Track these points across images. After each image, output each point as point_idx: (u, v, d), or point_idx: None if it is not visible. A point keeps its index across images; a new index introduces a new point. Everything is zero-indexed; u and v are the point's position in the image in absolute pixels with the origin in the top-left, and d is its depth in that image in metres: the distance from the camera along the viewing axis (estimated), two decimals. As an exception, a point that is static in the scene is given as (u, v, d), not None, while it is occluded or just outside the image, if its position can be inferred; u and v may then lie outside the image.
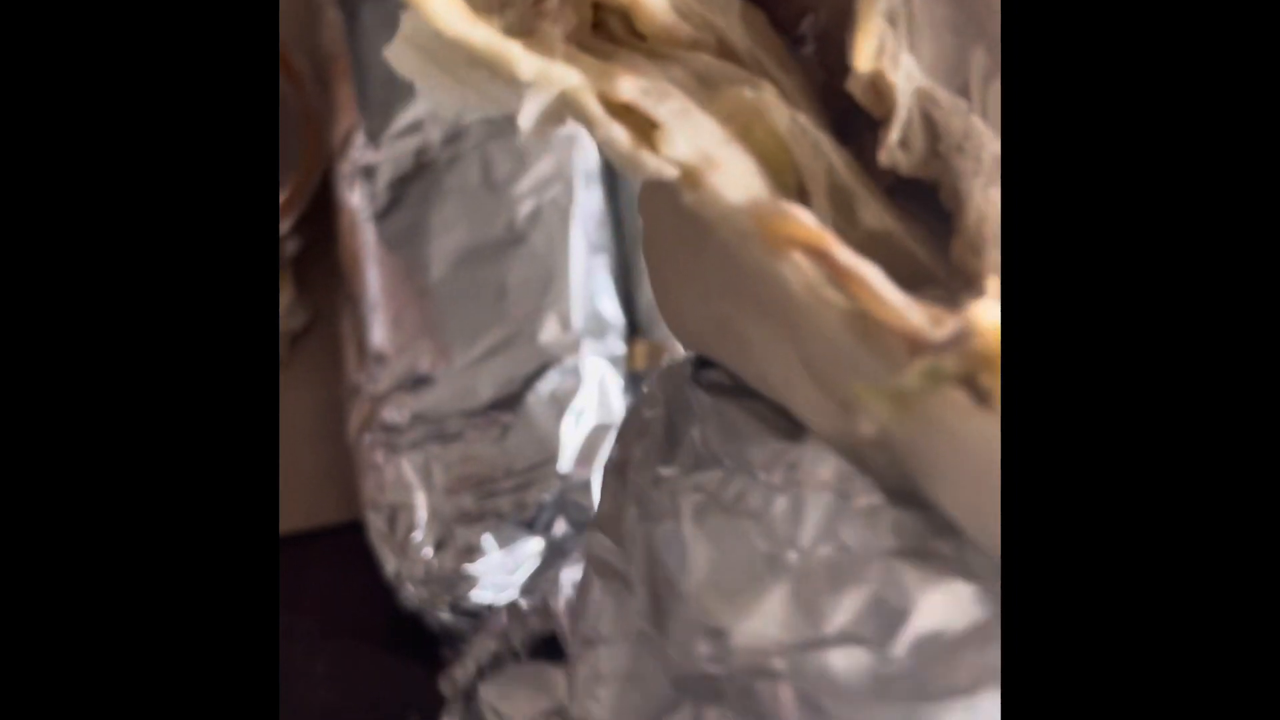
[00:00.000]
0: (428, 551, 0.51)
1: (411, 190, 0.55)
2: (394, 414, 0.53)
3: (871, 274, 0.29)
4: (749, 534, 0.32)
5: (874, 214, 0.32)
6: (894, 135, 0.31)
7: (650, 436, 0.35)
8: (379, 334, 0.54)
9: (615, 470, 0.36)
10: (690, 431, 0.35)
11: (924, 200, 0.33)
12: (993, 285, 0.29)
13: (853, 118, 0.34)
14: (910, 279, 0.31)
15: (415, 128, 0.56)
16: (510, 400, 0.53)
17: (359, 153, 0.56)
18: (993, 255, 0.30)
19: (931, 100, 0.31)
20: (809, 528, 0.31)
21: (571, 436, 0.53)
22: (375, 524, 0.53)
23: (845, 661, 0.30)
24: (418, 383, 0.53)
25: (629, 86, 0.32)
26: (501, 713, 0.47)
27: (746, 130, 0.32)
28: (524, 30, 0.34)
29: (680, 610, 0.32)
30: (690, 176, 0.31)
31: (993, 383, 0.27)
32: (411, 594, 0.52)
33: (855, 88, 0.32)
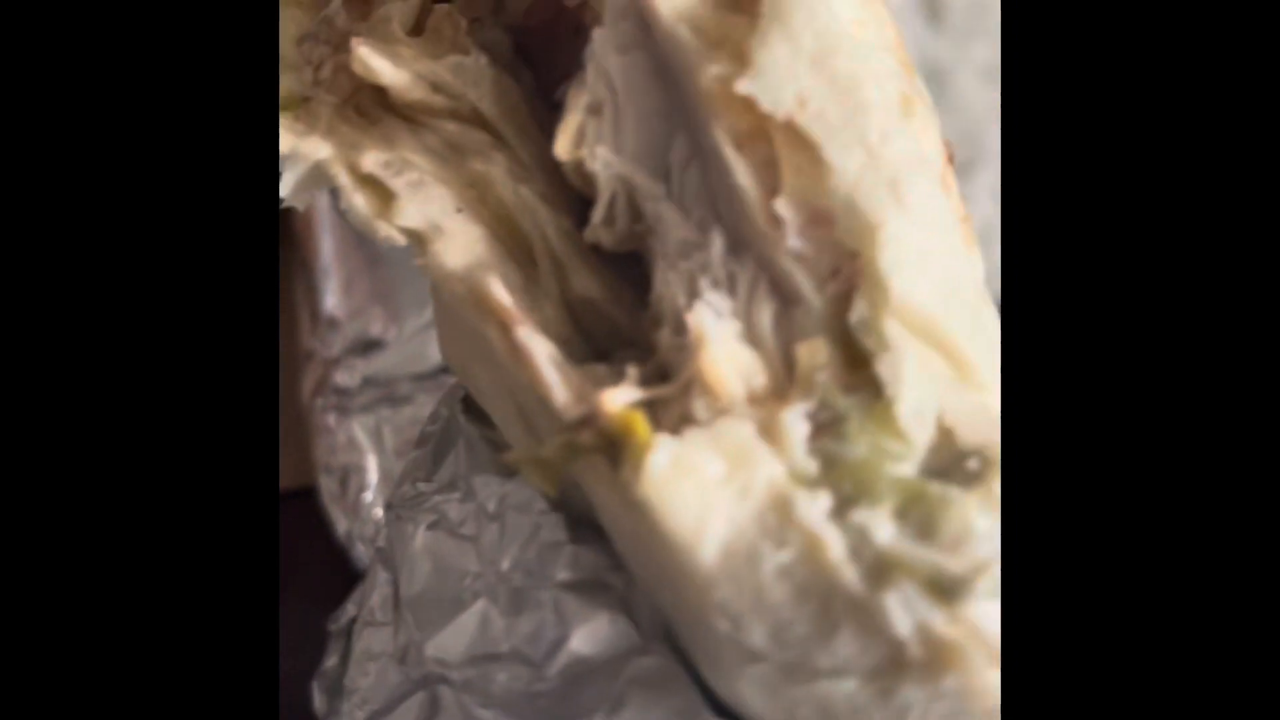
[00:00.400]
0: (378, 512, 0.53)
1: None
2: (346, 378, 0.55)
3: (538, 352, 0.33)
4: (465, 555, 0.36)
5: (582, 281, 0.35)
6: (596, 216, 0.34)
7: (424, 449, 0.39)
8: (331, 300, 0.56)
9: (404, 476, 0.40)
10: (452, 451, 0.39)
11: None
12: (652, 364, 0.33)
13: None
14: (609, 339, 0.35)
15: None
16: (459, 364, 0.57)
17: None
18: (663, 334, 0.33)
19: (631, 185, 0.34)
20: (508, 556, 0.35)
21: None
22: (327, 486, 0.55)
23: (508, 677, 0.33)
24: (369, 347, 0.55)
25: (371, 160, 0.36)
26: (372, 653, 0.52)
27: (481, 199, 0.36)
28: (303, 96, 0.38)
29: (403, 614, 0.37)
30: (419, 242, 0.35)
31: (625, 454, 0.30)
32: (363, 554, 0.53)
33: (565, 170, 0.35)
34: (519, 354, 0.32)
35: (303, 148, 0.36)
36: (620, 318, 0.35)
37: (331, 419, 0.56)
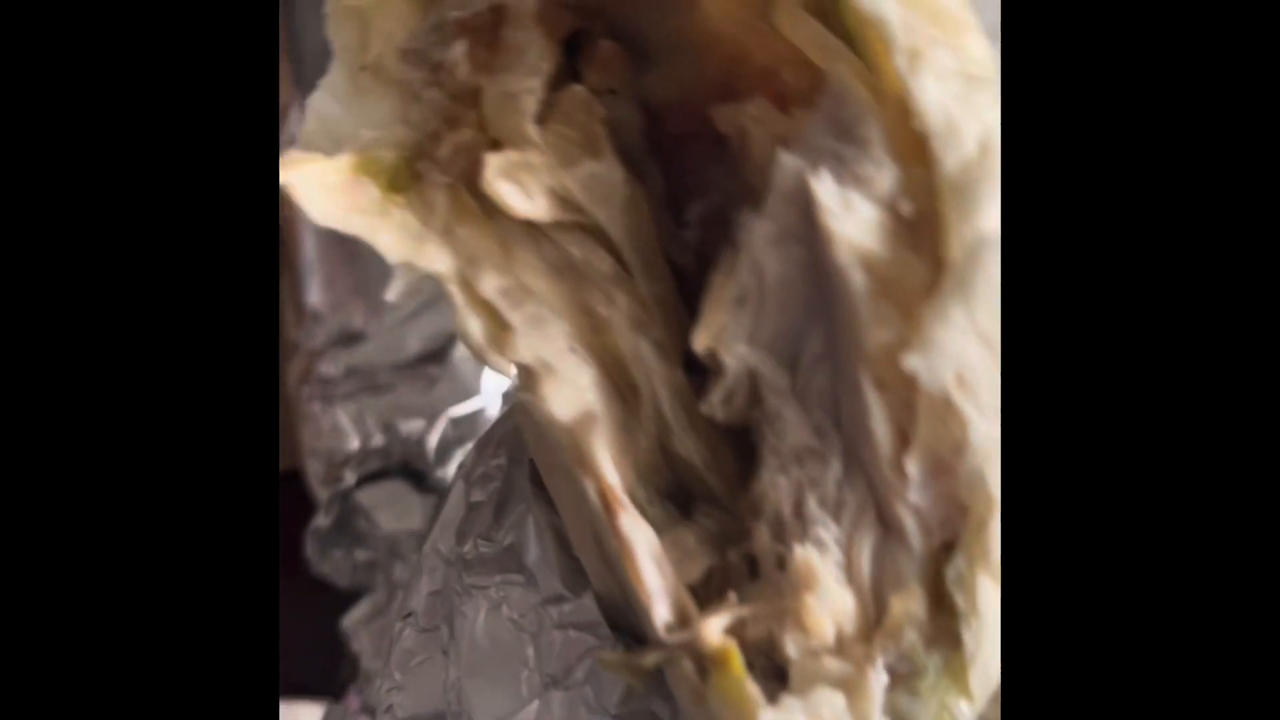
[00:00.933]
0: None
1: None
2: (329, 368, 0.59)
3: (640, 546, 0.33)
4: (525, 646, 0.38)
5: (685, 444, 0.35)
6: (715, 395, 0.33)
7: (485, 498, 0.41)
8: (315, 294, 0.60)
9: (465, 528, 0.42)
10: (514, 512, 0.40)
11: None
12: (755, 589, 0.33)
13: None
14: (703, 498, 0.35)
15: None
16: (437, 354, 0.59)
17: (295, 125, 0.59)
18: (760, 531, 0.33)
19: (758, 373, 0.33)
20: (568, 669, 0.37)
21: (492, 386, 0.60)
22: (313, 469, 0.60)
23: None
24: (351, 339, 0.59)
25: (490, 286, 0.34)
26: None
27: (595, 336, 0.35)
28: (413, 174, 0.35)
29: (455, 678, 0.39)
30: (528, 379, 0.35)
31: (714, 676, 0.31)
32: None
33: (694, 345, 0.33)
34: (619, 538, 0.33)
35: (419, 258, 0.34)
36: (715, 484, 0.35)
37: (317, 406, 0.60)
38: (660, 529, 0.35)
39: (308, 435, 0.59)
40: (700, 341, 0.33)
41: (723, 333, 0.32)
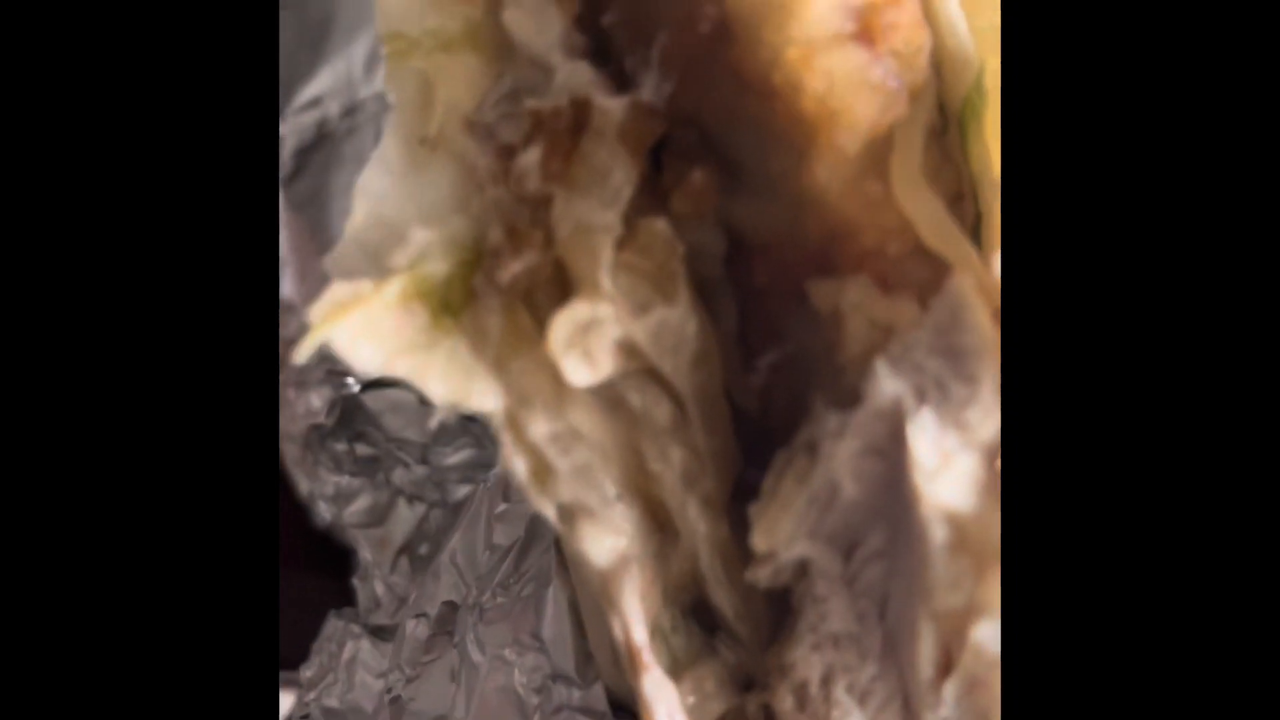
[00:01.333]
0: (336, 478, 0.58)
1: (314, 159, 0.59)
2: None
3: (660, 708, 0.33)
4: (527, 712, 0.39)
5: (719, 597, 0.34)
6: (762, 571, 0.32)
7: (509, 539, 0.41)
8: (288, 286, 0.58)
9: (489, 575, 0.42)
10: (535, 558, 0.40)
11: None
12: None
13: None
14: (729, 633, 0.35)
15: (315, 103, 0.58)
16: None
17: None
18: (782, 693, 0.33)
19: (811, 560, 0.32)
20: None
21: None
22: (290, 452, 0.59)
23: None
24: None
25: (539, 430, 0.32)
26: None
27: (642, 485, 0.34)
28: (468, 293, 0.33)
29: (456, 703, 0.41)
30: (567, 517, 0.33)
31: None
32: (323, 510, 0.59)
33: (753, 546, 0.32)
34: (641, 697, 0.33)
35: (468, 398, 0.32)
36: (744, 632, 0.34)
37: (291, 392, 0.59)
38: (682, 662, 0.35)
39: (283, 420, 0.60)
40: (759, 544, 0.31)
41: (784, 537, 0.31)
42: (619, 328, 0.31)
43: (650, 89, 0.31)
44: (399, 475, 0.57)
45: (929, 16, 0.31)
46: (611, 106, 0.31)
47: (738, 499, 0.34)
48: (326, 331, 0.31)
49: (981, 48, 0.32)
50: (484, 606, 0.42)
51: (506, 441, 0.33)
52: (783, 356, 0.32)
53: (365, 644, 0.50)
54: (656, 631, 0.35)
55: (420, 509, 0.55)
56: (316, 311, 0.31)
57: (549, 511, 0.33)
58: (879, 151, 0.30)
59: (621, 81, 0.31)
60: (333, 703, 0.50)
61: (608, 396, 0.33)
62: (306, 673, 0.52)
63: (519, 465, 0.33)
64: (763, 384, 0.33)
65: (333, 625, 0.53)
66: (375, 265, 0.33)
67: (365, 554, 0.56)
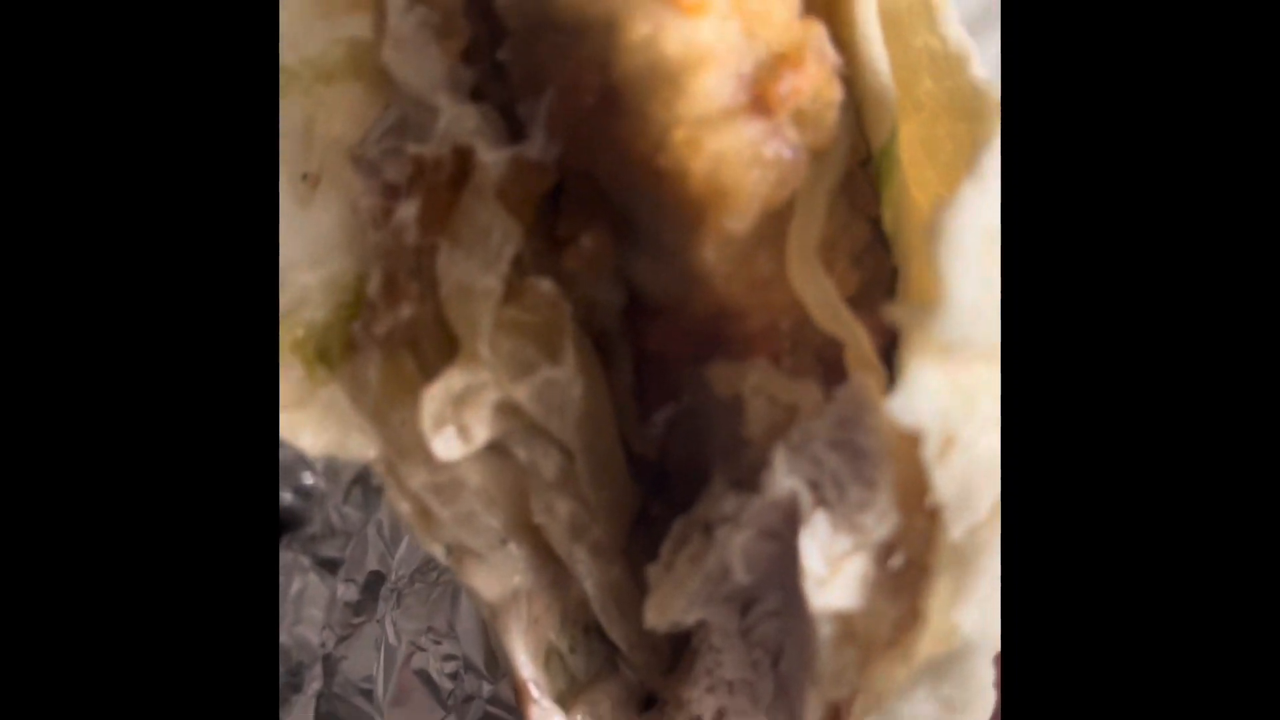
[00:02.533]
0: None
1: None
2: None
3: None
4: (443, 701, 0.41)
5: (616, 632, 0.34)
6: (659, 626, 0.32)
7: None
8: None
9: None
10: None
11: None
12: None
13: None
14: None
15: None
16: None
17: None
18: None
19: (707, 621, 0.32)
20: None
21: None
22: None
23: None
24: None
25: (419, 481, 0.32)
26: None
27: (529, 533, 0.33)
28: (348, 344, 0.32)
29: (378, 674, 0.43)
30: (455, 556, 0.33)
31: None
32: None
33: (646, 620, 0.32)
34: (527, 716, 0.33)
35: (344, 450, 0.31)
36: (639, 659, 0.34)
37: None
38: (580, 682, 0.35)
39: None
40: (652, 618, 0.31)
41: (678, 611, 0.31)
42: (498, 391, 0.30)
43: (538, 145, 0.29)
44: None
45: (846, 54, 0.29)
46: (493, 161, 0.29)
47: (637, 533, 0.33)
48: None
49: (914, 70, 0.31)
50: (401, 592, 0.43)
51: (389, 488, 0.32)
52: (679, 413, 0.31)
53: (313, 578, 0.51)
54: (553, 654, 0.35)
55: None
56: None
57: (437, 551, 0.33)
58: (774, 225, 0.28)
59: (511, 128, 0.30)
60: (282, 636, 0.50)
61: (494, 447, 0.32)
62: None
63: (402, 508, 0.32)
64: (659, 436, 0.32)
65: (283, 558, 0.53)
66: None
67: (320, 483, 0.56)
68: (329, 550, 0.52)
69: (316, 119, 0.31)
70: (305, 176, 0.31)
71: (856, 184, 0.30)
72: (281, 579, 0.54)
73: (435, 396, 0.30)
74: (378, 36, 0.30)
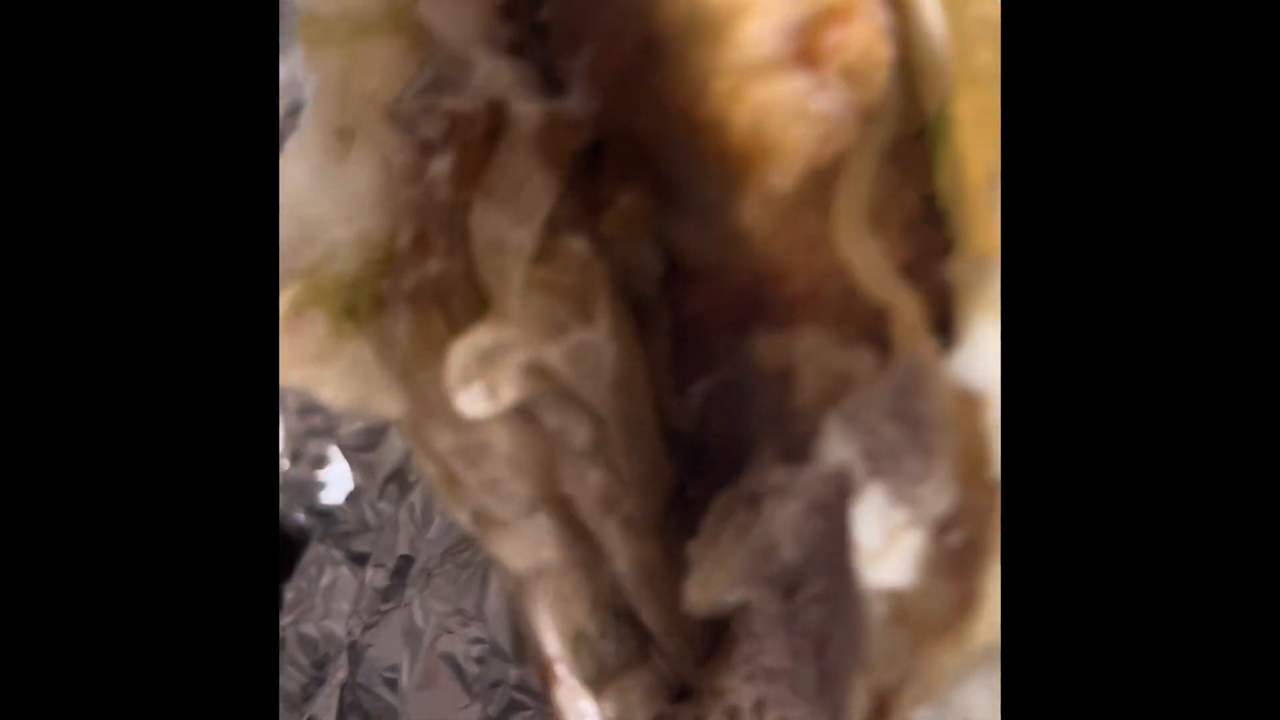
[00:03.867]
0: (284, 463, 0.58)
1: None
2: None
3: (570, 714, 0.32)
4: (469, 688, 0.41)
5: (646, 615, 0.33)
6: (698, 607, 0.31)
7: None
8: None
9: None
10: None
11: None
12: None
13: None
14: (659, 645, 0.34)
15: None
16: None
17: None
18: (709, 709, 0.32)
19: (749, 602, 0.31)
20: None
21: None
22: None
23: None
24: None
25: (444, 442, 0.31)
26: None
27: (559, 505, 0.32)
28: (377, 299, 0.31)
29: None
30: (482, 523, 0.32)
31: None
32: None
33: (687, 600, 0.31)
34: (555, 707, 0.32)
35: (367, 405, 0.31)
36: (672, 647, 0.33)
37: None
38: (610, 670, 0.34)
39: None
40: (694, 595, 0.30)
41: (720, 588, 0.30)
42: (528, 351, 0.29)
43: (577, 100, 0.28)
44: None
45: (900, 17, 0.28)
46: (529, 113, 0.28)
47: (672, 512, 0.32)
48: None
49: (973, 41, 0.29)
50: (431, 572, 0.43)
51: (414, 449, 0.31)
52: (718, 384, 0.30)
53: (344, 571, 0.51)
54: (580, 639, 0.34)
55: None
56: None
57: (462, 517, 0.32)
58: (820, 185, 0.27)
59: (549, 84, 0.29)
60: (309, 628, 0.50)
61: (522, 411, 0.31)
62: (287, 594, 0.52)
63: (427, 469, 0.32)
64: (698, 409, 0.31)
65: (314, 550, 0.53)
66: (286, 263, 0.31)
67: (357, 478, 0.56)
68: (361, 545, 0.52)
69: (352, 73, 0.31)
70: (341, 132, 0.31)
71: (908, 154, 0.29)
72: (311, 570, 0.54)
73: (462, 351, 0.29)
74: None
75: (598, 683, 0.34)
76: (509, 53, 0.29)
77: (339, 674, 0.48)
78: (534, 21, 0.29)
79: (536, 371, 0.30)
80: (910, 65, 0.29)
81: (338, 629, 0.51)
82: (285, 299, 0.30)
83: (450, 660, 0.42)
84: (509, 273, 0.29)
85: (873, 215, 0.28)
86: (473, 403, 0.29)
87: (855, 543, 0.26)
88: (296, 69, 0.58)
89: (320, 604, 0.52)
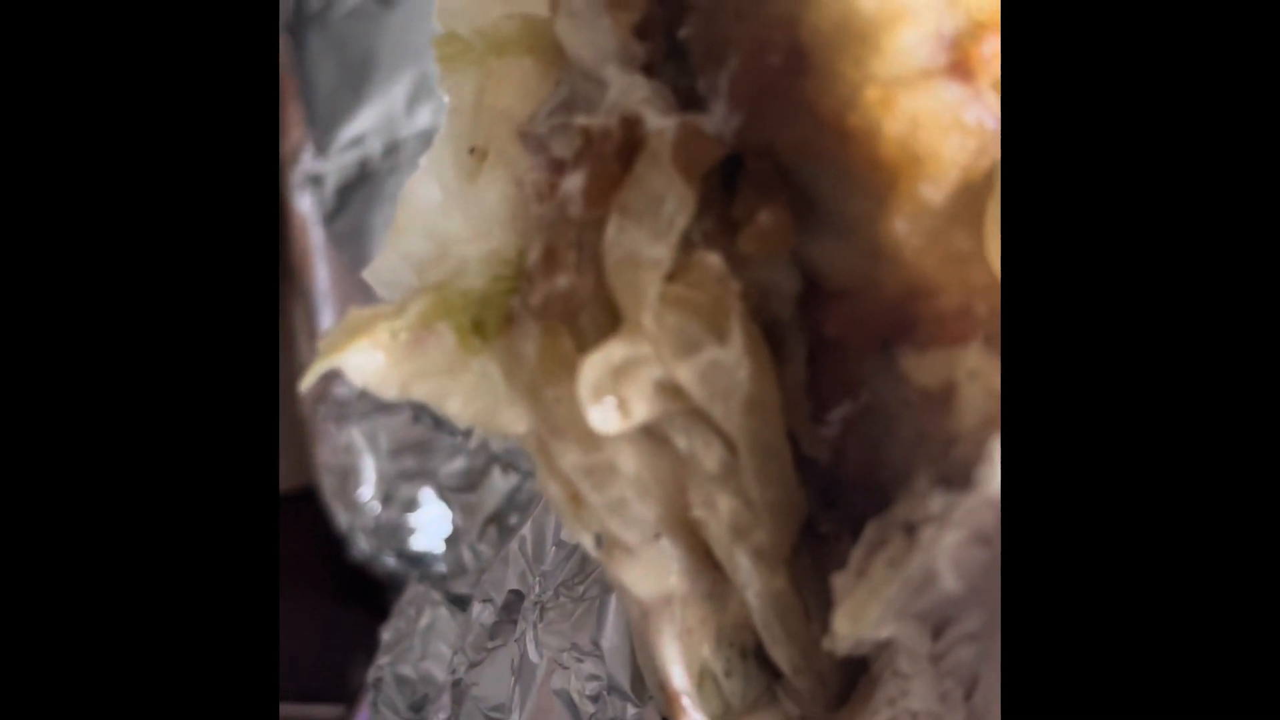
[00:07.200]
0: (375, 505, 0.60)
1: (355, 196, 0.62)
2: (343, 389, 0.60)
3: None
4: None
5: (777, 652, 0.31)
6: (841, 642, 0.29)
7: (572, 551, 0.40)
8: (328, 320, 0.61)
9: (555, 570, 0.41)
10: (597, 569, 0.38)
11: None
12: None
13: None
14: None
15: (358, 141, 0.61)
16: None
17: (308, 164, 0.62)
18: None
19: (897, 639, 0.29)
20: None
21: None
22: (329, 484, 0.60)
23: None
24: None
25: (570, 461, 0.30)
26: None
27: (687, 531, 0.31)
28: (506, 315, 0.30)
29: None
30: (607, 547, 0.31)
31: None
32: (362, 543, 0.60)
33: (833, 632, 0.29)
34: None
35: (494, 423, 0.30)
36: (804, 686, 0.31)
37: (332, 426, 0.62)
38: (736, 709, 0.33)
39: (324, 453, 0.61)
40: (842, 627, 0.28)
41: (871, 623, 0.28)
42: (661, 368, 0.28)
43: (718, 117, 0.28)
44: (496, 441, 0.56)
45: None
46: (665, 126, 0.28)
47: (803, 547, 0.31)
48: (334, 359, 0.29)
49: None
50: (545, 605, 0.41)
51: (540, 467, 0.31)
52: (857, 410, 0.29)
53: (443, 612, 0.51)
54: (706, 675, 0.33)
55: (514, 479, 0.55)
56: (327, 339, 0.30)
57: (586, 540, 0.31)
58: (973, 198, 0.26)
59: (687, 101, 0.29)
60: (406, 670, 0.50)
61: (652, 432, 0.30)
62: (385, 635, 0.52)
63: (553, 489, 0.31)
64: (835, 436, 0.30)
65: (413, 591, 0.53)
66: (417, 277, 0.31)
67: (456, 519, 0.57)
68: (461, 588, 0.52)
69: (486, 92, 0.31)
70: (473, 150, 0.31)
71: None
72: (410, 610, 0.53)
73: (595, 365, 0.28)
74: (553, 9, 0.30)
75: None
76: (644, 71, 0.29)
77: (440, 715, 0.47)
78: (671, 39, 0.29)
79: (669, 390, 0.29)
80: None
81: (437, 671, 0.50)
82: (410, 312, 0.30)
83: (564, 697, 0.41)
84: (644, 286, 0.28)
85: None
86: (605, 417, 0.28)
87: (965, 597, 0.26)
88: (397, 106, 0.61)
89: (419, 645, 0.51)
